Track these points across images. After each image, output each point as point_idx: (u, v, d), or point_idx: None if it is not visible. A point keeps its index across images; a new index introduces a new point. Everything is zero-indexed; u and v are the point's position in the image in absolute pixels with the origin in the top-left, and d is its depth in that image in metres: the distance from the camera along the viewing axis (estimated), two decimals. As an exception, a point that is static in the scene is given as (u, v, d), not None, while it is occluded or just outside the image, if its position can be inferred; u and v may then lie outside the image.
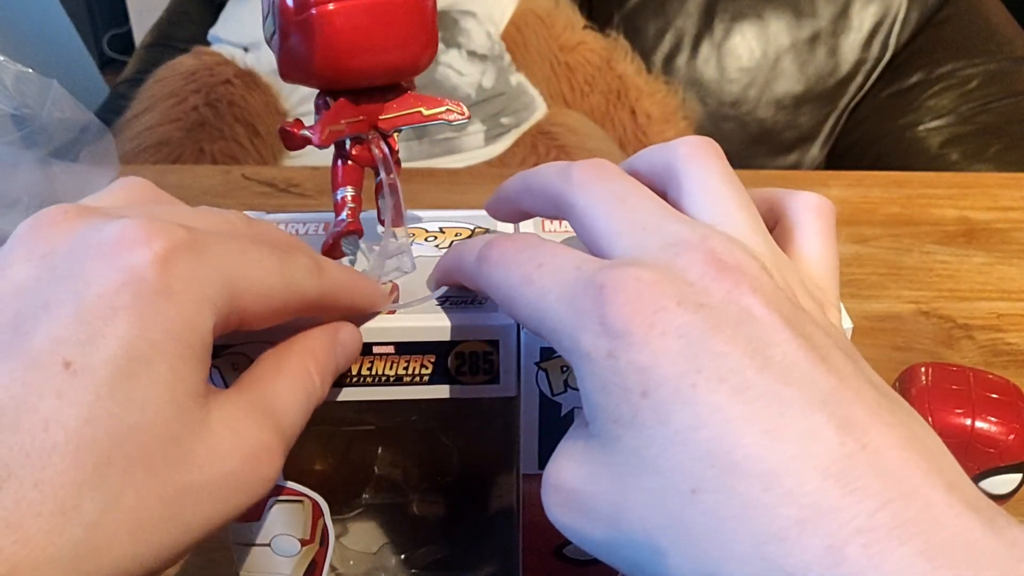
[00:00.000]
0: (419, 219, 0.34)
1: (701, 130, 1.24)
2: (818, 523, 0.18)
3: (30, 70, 0.58)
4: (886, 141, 1.20)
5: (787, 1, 1.28)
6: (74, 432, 0.20)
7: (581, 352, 0.21)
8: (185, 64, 1.06)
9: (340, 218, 0.30)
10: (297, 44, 0.26)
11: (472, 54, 1.08)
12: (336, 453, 0.36)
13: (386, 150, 0.30)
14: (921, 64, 1.25)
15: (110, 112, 1.10)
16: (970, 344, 0.55)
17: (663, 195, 0.25)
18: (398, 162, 0.30)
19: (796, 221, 0.27)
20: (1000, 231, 0.65)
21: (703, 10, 1.29)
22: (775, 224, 0.28)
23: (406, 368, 0.29)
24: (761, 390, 0.20)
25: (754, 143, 1.29)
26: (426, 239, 0.33)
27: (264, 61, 1.08)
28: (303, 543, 0.32)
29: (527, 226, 0.33)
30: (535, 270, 0.23)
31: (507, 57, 1.13)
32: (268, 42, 0.28)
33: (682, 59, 1.28)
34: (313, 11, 0.25)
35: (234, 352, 0.28)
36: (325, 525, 0.32)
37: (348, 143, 0.29)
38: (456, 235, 0.34)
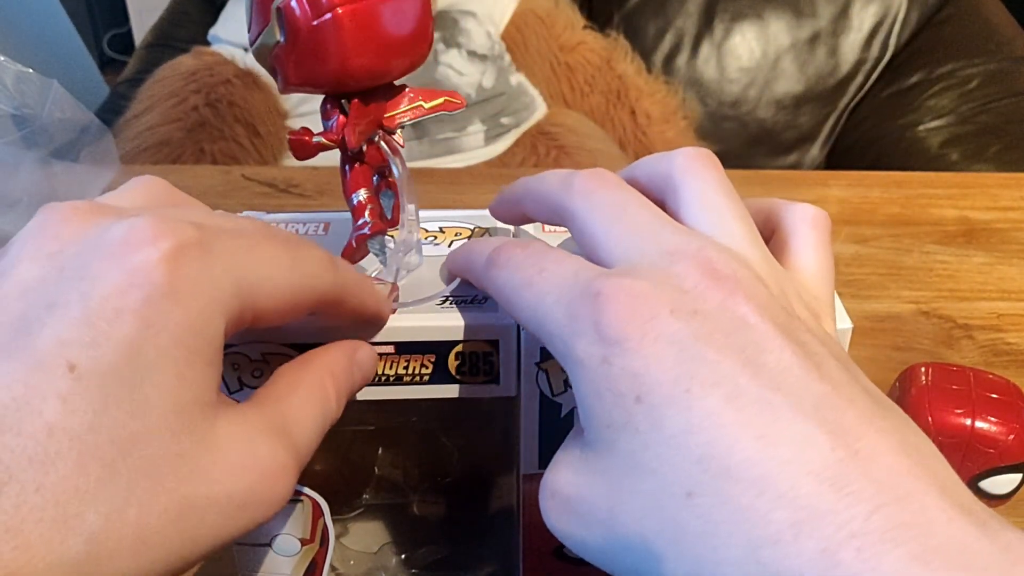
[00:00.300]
0: (419, 219, 0.34)
1: (701, 130, 1.24)
2: (812, 527, 0.18)
3: (30, 70, 0.58)
4: (886, 141, 1.20)
5: (787, 1, 1.28)
6: (78, 438, 0.19)
7: (576, 358, 0.22)
8: (185, 64, 1.06)
9: (363, 220, 0.29)
10: (311, 50, 0.26)
11: (472, 54, 1.08)
12: (336, 453, 0.36)
13: (397, 146, 0.30)
14: (921, 64, 1.25)
15: (110, 112, 1.10)
16: (970, 344, 0.55)
17: (661, 205, 0.26)
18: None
19: (792, 232, 0.27)
20: (1000, 231, 0.65)
21: (703, 10, 1.29)
22: (771, 234, 0.28)
23: (406, 368, 0.29)
24: (754, 396, 0.20)
25: (754, 143, 1.29)
26: (426, 239, 0.33)
27: (264, 61, 1.07)
28: (303, 543, 0.32)
29: (528, 227, 0.33)
30: (537, 275, 0.24)
31: (507, 57, 1.13)
32: (259, 54, 0.28)
33: (682, 59, 1.28)
34: (328, 16, 0.25)
35: (234, 352, 0.28)
36: (325, 525, 0.32)
37: (363, 145, 0.29)
38: (456, 235, 0.34)
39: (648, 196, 0.26)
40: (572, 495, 0.22)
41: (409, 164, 0.30)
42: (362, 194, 0.29)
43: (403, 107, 0.29)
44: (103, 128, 0.63)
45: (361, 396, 0.29)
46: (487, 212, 0.35)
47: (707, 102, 1.27)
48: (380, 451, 0.37)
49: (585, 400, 0.22)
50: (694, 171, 0.26)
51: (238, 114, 1.02)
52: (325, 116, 0.29)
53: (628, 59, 1.21)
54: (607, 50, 1.20)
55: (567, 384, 0.29)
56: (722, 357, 0.20)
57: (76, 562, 0.19)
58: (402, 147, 0.30)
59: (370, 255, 0.30)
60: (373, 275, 0.31)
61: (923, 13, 1.28)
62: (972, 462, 0.39)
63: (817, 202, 0.28)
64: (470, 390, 0.30)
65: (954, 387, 0.40)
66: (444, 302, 0.29)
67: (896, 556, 0.17)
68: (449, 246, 0.33)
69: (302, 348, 0.27)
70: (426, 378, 0.29)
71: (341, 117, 0.28)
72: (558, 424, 0.29)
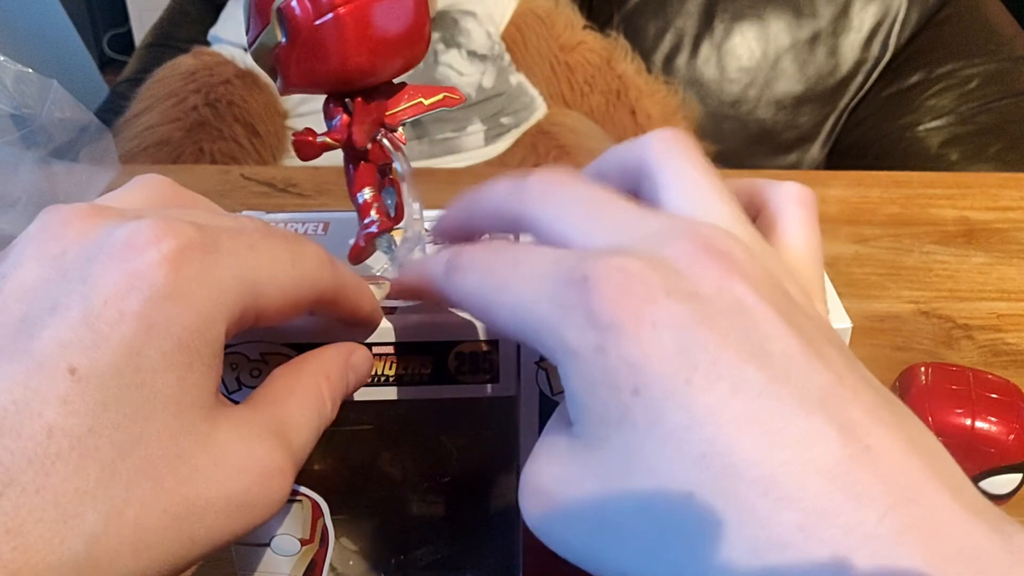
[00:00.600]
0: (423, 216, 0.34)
1: (701, 130, 1.24)
2: (821, 529, 0.17)
3: (30, 70, 0.58)
4: (886, 141, 1.20)
5: (787, 1, 1.28)
6: (78, 440, 0.19)
7: (567, 349, 0.20)
8: (185, 64, 1.06)
9: (370, 219, 0.29)
10: (313, 50, 0.26)
11: (472, 54, 1.08)
12: (336, 453, 0.36)
13: (400, 143, 0.30)
14: (921, 64, 1.25)
15: (110, 112, 1.10)
16: (970, 344, 0.54)
17: (636, 195, 0.24)
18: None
19: (779, 211, 0.26)
20: (1000, 231, 0.65)
21: (703, 10, 1.29)
22: (756, 215, 0.27)
23: (406, 368, 0.29)
24: (758, 387, 0.19)
25: (754, 143, 1.29)
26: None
27: (264, 61, 1.08)
28: (303, 543, 0.32)
29: None
30: (511, 271, 0.22)
31: (507, 57, 1.13)
32: (258, 55, 0.28)
33: (682, 59, 1.28)
34: (330, 15, 0.25)
35: (232, 352, 0.28)
36: (325, 525, 0.32)
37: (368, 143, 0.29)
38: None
39: (621, 188, 0.24)
40: (557, 492, 0.21)
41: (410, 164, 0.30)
42: (367, 193, 0.29)
43: (403, 104, 0.29)
44: (103, 128, 0.63)
45: (361, 396, 0.29)
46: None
47: (707, 102, 1.27)
48: (380, 451, 0.37)
49: (577, 393, 0.20)
50: (671, 152, 0.25)
51: (238, 114, 1.02)
52: (328, 116, 0.29)
53: (628, 59, 1.21)
54: (607, 50, 1.20)
55: (567, 384, 0.29)
56: (724, 344, 0.19)
57: (76, 562, 0.19)
58: (404, 144, 0.30)
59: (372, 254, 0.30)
60: (378, 273, 0.31)
61: (923, 13, 1.28)
62: (972, 462, 0.39)
63: (817, 202, 0.27)
64: (470, 390, 0.30)
65: (954, 387, 0.40)
66: (444, 302, 0.29)
67: (910, 561, 0.17)
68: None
69: (300, 348, 0.27)
70: (426, 378, 0.29)
71: (345, 116, 0.28)
72: (558, 424, 0.29)
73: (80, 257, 0.21)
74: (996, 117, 1.15)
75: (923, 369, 0.42)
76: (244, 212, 0.33)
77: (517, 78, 1.12)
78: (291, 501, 0.32)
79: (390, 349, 0.29)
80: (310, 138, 0.28)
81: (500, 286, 0.22)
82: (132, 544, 0.20)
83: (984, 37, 1.24)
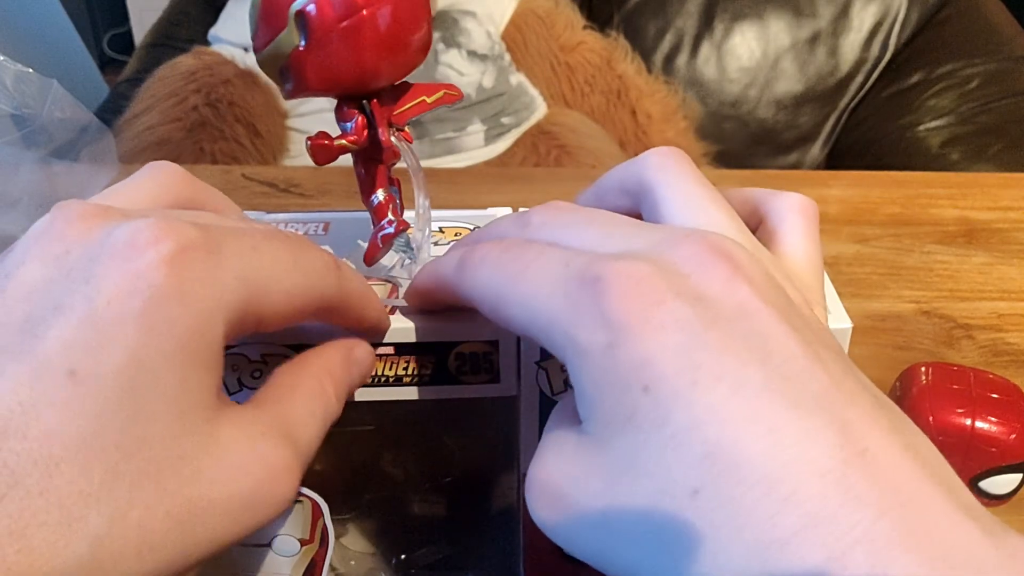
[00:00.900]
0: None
1: (701, 130, 1.24)
2: (819, 531, 0.18)
3: (30, 70, 0.58)
4: (886, 141, 1.20)
5: (787, 1, 1.28)
6: (81, 443, 0.19)
7: (578, 347, 0.21)
8: (185, 64, 1.06)
9: (388, 219, 0.30)
10: (337, 52, 0.26)
11: (472, 54, 1.08)
12: (336, 453, 0.36)
13: (407, 142, 0.30)
14: (921, 64, 1.25)
15: (110, 112, 1.10)
16: (970, 344, 0.54)
17: (635, 214, 0.25)
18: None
19: (780, 221, 0.27)
20: (1000, 231, 0.65)
21: (703, 10, 1.29)
22: (758, 225, 0.27)
23: (406, 368, 0.29)
24: (759, 387, 0.19)
25: (754, 143, 1.29)
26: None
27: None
28: (303, 543, 0.32)
29: None
30: (523, 269, 0.23)
31: (507, 57, 1.13)
32: (266, 61, 0.27)
33: (682, 59, 1.28)
34: (356, 17, 0.25)
35: (233, 353, 0.28)
36: (325, 525, 0.32)
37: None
38: (456, 235, 0.34)
39: (620, 209, 0.25)
40: (565, 490, 0.21)
41: (409, 164, 0.30)
42: (381, 194, 0.30)
43: (409, 103, 0.30)
44: (103, 128, 0.63)
45: (361, 396, 0.29)
46: (487, 212, 0.35)
47: (707, 102, 1.27)
48: (380, 451, 0.37)
49: (587, 392, 0.21)
50: (668, 167, 0.26)
51: (238, 114, 1.02)
52: (344, 118, 0.28)
53: (628, 59, 1.21)
54: (607, 50, 1.20)
55: (567, 383, 0.29)
56: (727, 347, 0.19)
57: (80, 565, 0.19)
58: (411, 142, 0.30)
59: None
60: (393, 272, 0.31)
61: (923, 13, 1.28)
62: (972, 462, 0.39)
63: (817, 202, 0.28)
64: (470, 390, 0.30)
65: (954, 387, 0.40)
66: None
67: (904, 563, 0.17)
68: (449, 245, 0.33)
69: (301, 349, 0.27)
70: (426, 378, 0.29)
71: (361, 118, 0.28)
72: (558, 424, 0.29)
73: (83, 257, 0.21)
74: (996, 117, 1.15)
75: (924, 369, 0.42)
76: (244, 213, 0.33)
77: (517, 78, 1.12)
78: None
79: (391, 349, 0.29)
80: (326, 141, 0.28)
81: (512, 282, 0.23)
82: (135, 546, 0.20)
83: (984, 37, 1.24)
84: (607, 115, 1.17)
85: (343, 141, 0.28)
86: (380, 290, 0.31)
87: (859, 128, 1.27)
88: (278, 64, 0.27)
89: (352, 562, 0.37)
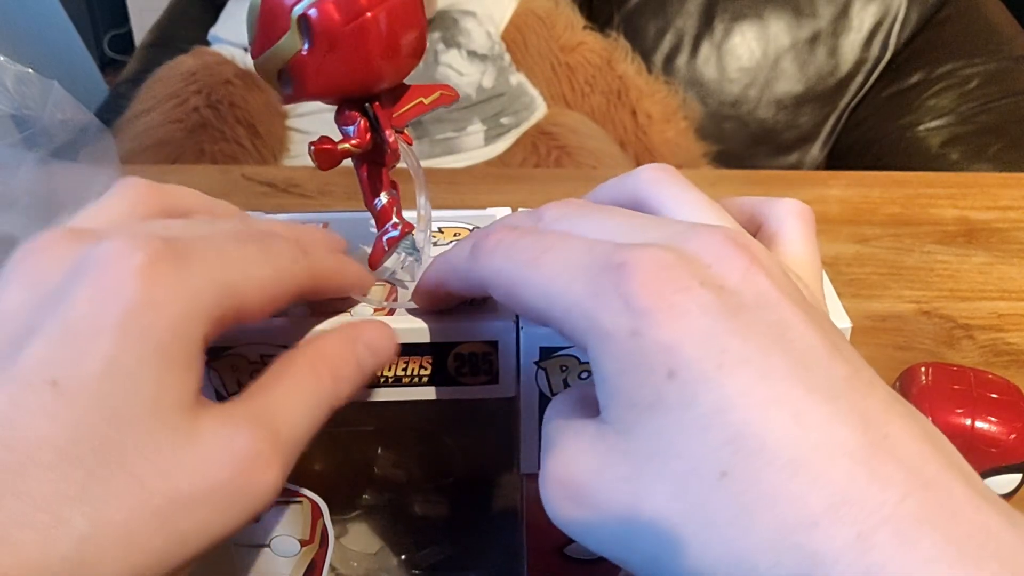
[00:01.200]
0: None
1: (701, 130, 1.24)
2: (847, 510, 0.18)
3: (30, 71, 0.58)
4: (886, 141, 1.20)
5: (787, 1, 1.28)
6: (62, 449, 0.20)
7: (601, 332, 0.21)
8: (185, 64, 1.06)
9: (393, 222, 0.30)
10: (342, 55, 0.26)
11: (472, 54, 1.08)
12: (336, 454, 0.36)
13: (410, 144, 0.30)
14: (921, 64, 1.25)
15: (110, 112, 1.10)
16: (970, 344, 0.54)
17: None
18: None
19: (779, 225, 0.27)
20: (1000, 231, 0.65)
21: (703, 10, 1.29)
22: (756, 231, 0.28)
23: (405, 369, 0.29)
24: (785, 373, 0.19)
25: (754, 143, 1.29)
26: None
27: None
28: (303, 544, 0.32)
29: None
30: (542, 253, 0.23)
31: (507, 57, 1.13)
32: (265, 66, 0.27)
33: (682, 59, 1.28)
34: (361, 19, 0.25)
35: (232, 354, 0.28)
36: (325, 526, 0.32)
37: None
38: (456, 235, 0.34)
39: None
40: (586, 482, 0.21)
41: (409, 164, 0.30)
42: (384, 198, 0.30)
43: (408, 105, 0.30)
44: (103, 128, 0.63)
45: (361, 397, 0.29)
46: (487, 212, 0.35)
47: (707, 102, 1.27)
48: (380, 451, 0.37)
49: (610, 377, 0.21)
50: (663, 181, 0.26)
51: (238, 114, 1.02)
52: (345, 122, 0.28)
53: (628, 59, 1.21)
54: (607, 50, 1.20)
55: (566, 384, 0.29)
56: (751, 333, 0.20)
57: (66, 564, 0.19)
58: (411, 144, 0.30)
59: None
60: (397, 272, 0.31)
61: (923, 13, 1.27)
62: (972, 462, 0.39)
63: (817, 202, 0.28)
64: (469, 391, 0.30)
65: (954, 387, 0.40)
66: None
67: (930, 541, 0.17)
68: (449, 244, 0.33)
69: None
70: (425, 379, 0.29)
71: (363, 121, 0.28)
72: (558, 424, 0.29)
73: (58, 279, 0.22)
74: (996, 117, 1.15)
75: (924, 369, 0.41)
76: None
77: (517, 78, 1.12)
78: (291, 502, 0.32)
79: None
80: (328, 146, 0.28)
81: (530, 267, 0.23)
82: (120, 544, 0.20)
83: (984, 37, 1.24)
84: (607, 115, 1.17)
85: (347, 145, 0.28)
86: (377, 291, 0.31)
87: (859, 128, 1.27)
88: (277, 68, 0.27)
89: (352, 562, 0.37)
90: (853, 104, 1.29)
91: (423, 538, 0.38)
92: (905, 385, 0.41)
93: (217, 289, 0.23)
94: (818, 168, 1.30)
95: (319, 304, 0.29)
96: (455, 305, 0.29)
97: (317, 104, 0.30)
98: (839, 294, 0.30)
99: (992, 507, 0.18)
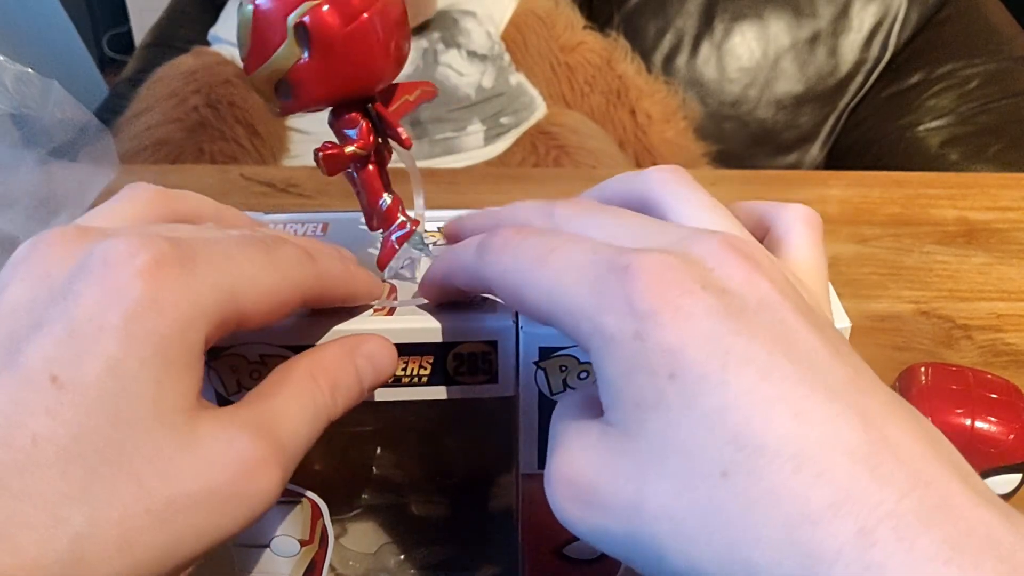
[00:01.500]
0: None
1: (701, 130, 1.24)
2: (848, 507, 0.18)
3: (30, 70, 0.58)
4: (886, 141, 1.20)
5: (787, 1, 1.28)
6: (62, 447, 0.20)
7: (604, 334, 0.21)
8: (185, 64, 1.06)
9: (402, 220, 0.30)
10: (343, 58, 0.26)
11: (472, 54, 1.08)
12: (335, 454, 0.36)
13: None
14: (921, 64, 1.25)
15: (110, 112, 1.10)
16: (969, 344, 0.54)
17: None
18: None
19: (786, 231, 0.27)
20: (1000, 231, 0.65)
21: (703, 10, 1.29)
22: (764, 236, 0.28)
23: (404, 369, 0.29)
24: (786, 373, 0.20)
25: (754, 143, 1.29)
26: (418, 246, 0.33)
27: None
28: (302, 544, 0.32)
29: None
30: (548, 254, 0.23)
31: (507, 57, 1.13)
32: (262, 78, 0.27)
33: (682, 59, 1.28)
34: (358, 21, 0.25)
35: (232, 354, 0.28)
36: (324, 526, 0.32)
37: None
38: (455, 235, 0.34)
39: None
40: (591, 481, 0.21)
41: (408, 164, 0.30)
42: (388, 198, 0.30)
43: (396, 104, 0.30)
44: (102, 128, 0.63)
45: (359, 397, 0.29)
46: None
47: (707, 102, 1.27)
48: (379, 451, 0.37)
49: (613, 379, 0.21)
50: (673, 184, 0.26)
51: (238, 114, 1.02)
52: (347, 126, 0.28)
53: (628, 59, 1.21)
54: (607, 50, 1.20)
55: (566, 384, 0.29)
56: (754, 335, 0.20)
57: (63, 563, 0.20)
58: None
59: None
60: (403, 266, 0.31)
61: (923, 13, 1.27)
62: (972, 462, 0.39)
63: (817, 202, 0.28)
64: (469, 391, 0.30)
65: (953, 387, 0.40)
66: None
67: (930, 538, 0.17)
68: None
69: (299, 351, 0.27)
70: (425, 379, 0.29)
71: (365, 123, 0.28)
72: (557, 424, 0.29)
73: (63, 276, 0.22)
74: (996, 117, 1.15)
75: (923, 369, 0.41)
76: (243, 213, 0.33)
77: (517, 78, 1.12)
78: (291, 502, 0.32)
79: (396, 350, 0.29)
80: (334, 151, 0.28)
81: (535, 268, 0.23)
82: (117, 544, 0.20)
83: (984, 37, 1.24)
84: (607, 115, 1.17)
85: (353, 148, 0.28)
86: (366, 271, 0.31)
87: (859, 128, 1.27)
88: (276, 80, 0.27)
89: (352, 562, 0.37)
90: (853, 104, 1.29)
91: (422, 538, 0.38)
92: (904, 385, 0.41)
93: (221, 293, 0.23)
94: (818, 168, 1.30)
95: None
96: (462, 298, 0.29)
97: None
98: (838, 294, 0.30)
99: (991, 506, 0.18)
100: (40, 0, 1.42)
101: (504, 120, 1.07)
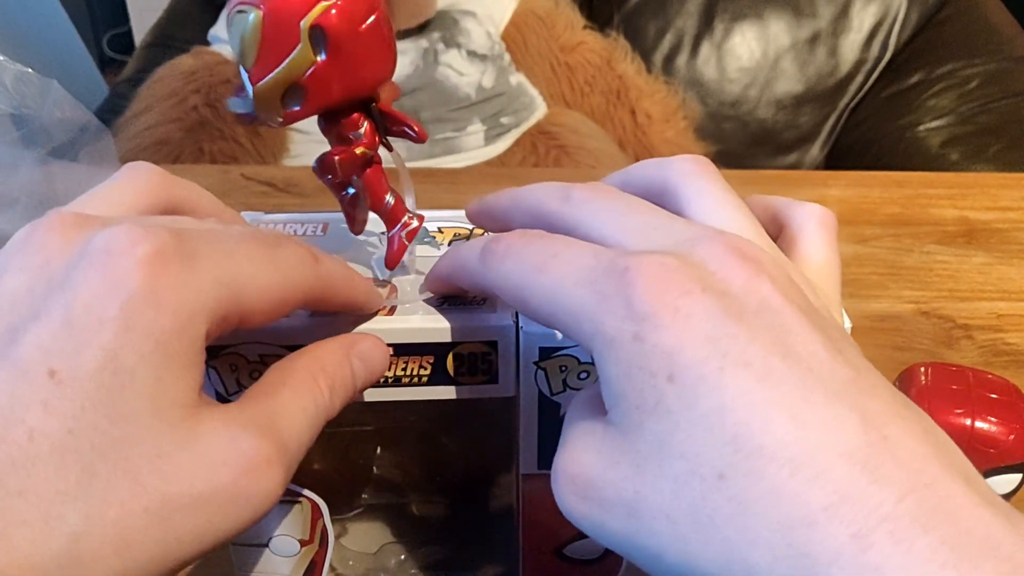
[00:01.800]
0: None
1: (701, 130, 1.24)
2: (846, 509, 0.18)
3: (30, 70, 0.58)
4: (886, 141, 1.20)
5: (787, 1, 1.27)
6: (58, 443, 0.20)
7: (605, 336, 0.21)
8: (185, 64, 1.06)
9: (409, 216, 0.30)
10: (360, 56, 0.26)
11: (472, 54, 1.08)
12: (335, 453, 0.36)
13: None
14: (921, 64, 1.25)
15: (110, 112, 1.10)
16: (970, 344, 0.54)
17: None
18: None
19: (800, 229, 0.27)
20: (1000, 231, 0.65)
21: (703, 10, 1.29)
22: (778, 233, 0.28)
23: (405, 369, 0.29)
24: (784, 376, 0.20)
25: (754, 143, 1.29)
26: (426, 239, 0.33)
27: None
28: (302, 543, 0.32)
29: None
30: (550, 259, 0.23)
31: (507, 57, 1.13)
32: (272, 87, 0.26)
33: (682, 59, 1.28)
34: (372, 18, 0.25)
35: (231, 352, 0.28)
36: (324, 526, 0.32)
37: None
38: (455, 235, 0.34)
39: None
40: (593, 477, 0.22)
41: (409, 164, 0.30)
42: (391, 198, 0.30)
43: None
44: (102, 128, 0.63)
45: (359, 398, 0.29)
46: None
47: (707, 102, 1.27)
48: (379, 451, 0.37)
49: (613, 380, 0.21)
50: (694, 173, 0.26)
51: (238, 114, 1.02)
52: (352, 127, 0.28)
53: (628, 59, 1.21)
54: (607, 50, 1.20)
55: (566, 384, 0.29)
56: (753, 337, 0.20)
57: (58, 562, 0.19)
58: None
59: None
60: (407, 260, 0.31)
61: (923, 13, 1.27)
62: (972, 462, 0.39)
63: (817, 202, 0.28)
64: (469, 391, 0.30)
65: (954, 387, 0.40)
66: (442, 303, 0.29)
67: (927, 541, 0.17)
68: (448, 245, 0.33)
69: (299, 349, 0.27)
70: (425, 379, 0.29)
71: (368, 123, 0.28)
72: (557, 424, 0.29)
73: (62, 265, 0.22)
74: (996, 117, 1.15)
75: (923, 369, 0.41)
76: (243, 213, 0.33)
77: (517, 78, 1.12)
78: (291, 502, 0.32)
79: (390, 350, 0.29)
80: (347, 155, 0.28)
81: (538, 272, 0.23)
82: (114, 543, 0.20)
83: (984, 37, 1.24)
84: (607, 115, 1.17)
85: (363, 148, 0.28)
86: (367, 280, 0.31)
87: (859, 128, 1.27)
88: (287, 86, 0.26)
89: (352, 562, 0.37)
90: (853, 104, 1.29)
91: (422, 538, 0.38)
92: (904, 385, 0.41)
93: (222, 287, 0.22)
94: (818, 168, 1.30)
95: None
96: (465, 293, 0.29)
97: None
98: (838, 294, 0.30)
99: (992, 508, 0.18)
100: (40, 0, 1.42)
101: (504, 120, 1.07)
